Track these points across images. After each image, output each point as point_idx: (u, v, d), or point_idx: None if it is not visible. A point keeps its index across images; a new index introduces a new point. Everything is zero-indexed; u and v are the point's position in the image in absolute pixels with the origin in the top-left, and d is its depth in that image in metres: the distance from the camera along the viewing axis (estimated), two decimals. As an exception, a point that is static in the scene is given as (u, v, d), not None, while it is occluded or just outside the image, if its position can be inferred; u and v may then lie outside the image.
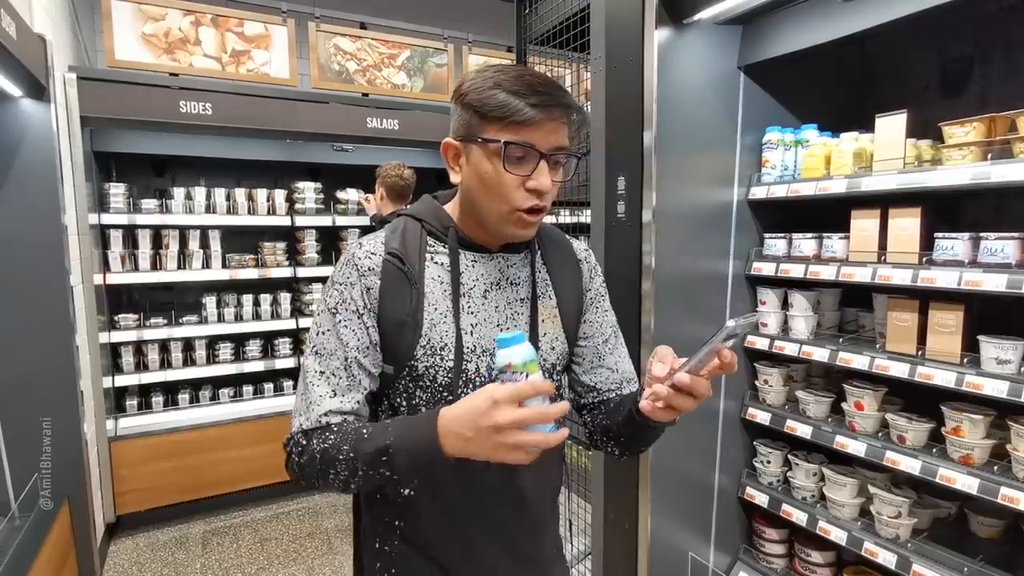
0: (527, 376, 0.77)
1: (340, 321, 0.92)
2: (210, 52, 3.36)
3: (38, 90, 2.27)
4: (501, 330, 0.98)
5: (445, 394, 0.93)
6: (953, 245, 1.57)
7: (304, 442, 0.89)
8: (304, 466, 0.88)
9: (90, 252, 2.98)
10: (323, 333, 0.93)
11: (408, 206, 2.92)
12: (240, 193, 3.69)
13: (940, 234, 1.60)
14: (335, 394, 0.90)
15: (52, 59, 2.36)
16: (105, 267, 3.32)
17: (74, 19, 3.24)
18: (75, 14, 3.25)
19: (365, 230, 4.10)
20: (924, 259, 1.63)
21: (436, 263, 0.97)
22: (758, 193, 2.01)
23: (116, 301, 3.64)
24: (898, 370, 1.65)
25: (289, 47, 3.55)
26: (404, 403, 0.96)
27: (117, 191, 3.32)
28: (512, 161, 0.88)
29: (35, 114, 2.27)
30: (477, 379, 0.95)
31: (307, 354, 0.94)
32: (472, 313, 0.96)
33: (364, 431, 0.85)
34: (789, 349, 1.94)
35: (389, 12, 4.11)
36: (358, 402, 0.92)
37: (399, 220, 1.02)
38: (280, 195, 3.78)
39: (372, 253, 0.95)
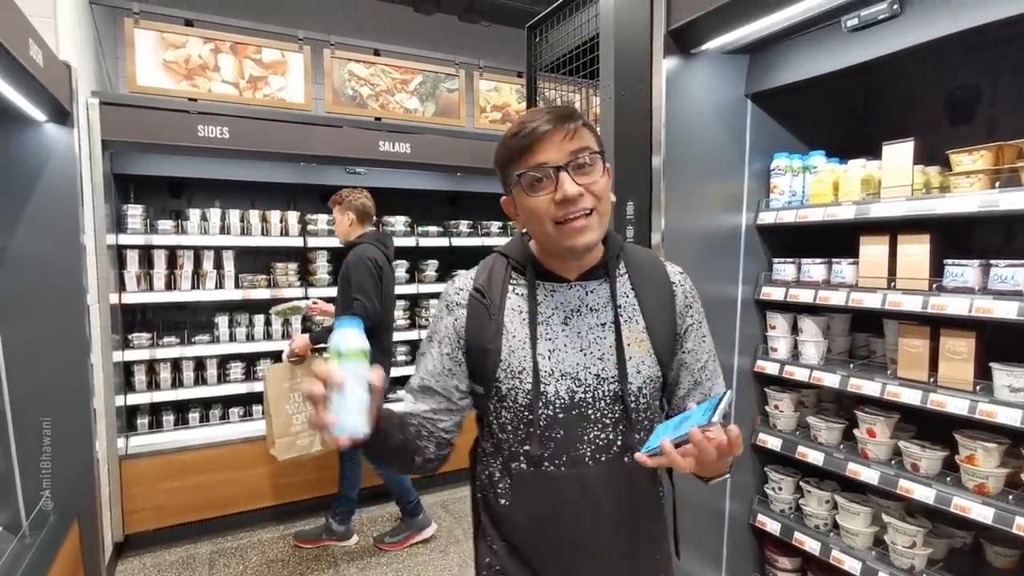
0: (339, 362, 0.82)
1: (430, 348, 1.10)
2: (228, 78, 3.45)
3: (62, 115, 2.33)
4: (584, 355, 1.03)
5: (526, 413, 1.02)
6: (963, 272, 1.57)
7: None
8: None
9: (107, 272, 3.03)
10: (422, 355, 1.12)
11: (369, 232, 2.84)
12: (254, 214, 3.74)
13: (950, 261, 1.60)
14: (414, 400, 1.09)
15: (76, 85, 2.43)
16: (121, 286, 3.37)
17: (98, 46, 3.34)
18: (99, 41, 3.36)
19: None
20: (934, 285, 1.63)
21: (517, 294, 1.07)
22: (766, 218, 2.02)
23: (130, 320, 3.69)
24: (910, 397, 1.64)
25: (305, 73, 3.63)
26: (495, 421, 1.07)
27: (135, 212, 3.39)
28: (534, 187, 0.97)
29: (58, 138, 2.33)
30: (556, 400, 1.01)
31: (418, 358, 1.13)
32: (550, 339, 1.03)
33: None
34: (799, 374, 1.93)
35: (402, 39, 4.20)
36: (428, 408, 1.08)
37: (491, 257, 1.13)
38: (293, 217, 3.83)
39: (460, 289, 1.09)
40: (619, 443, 1.02)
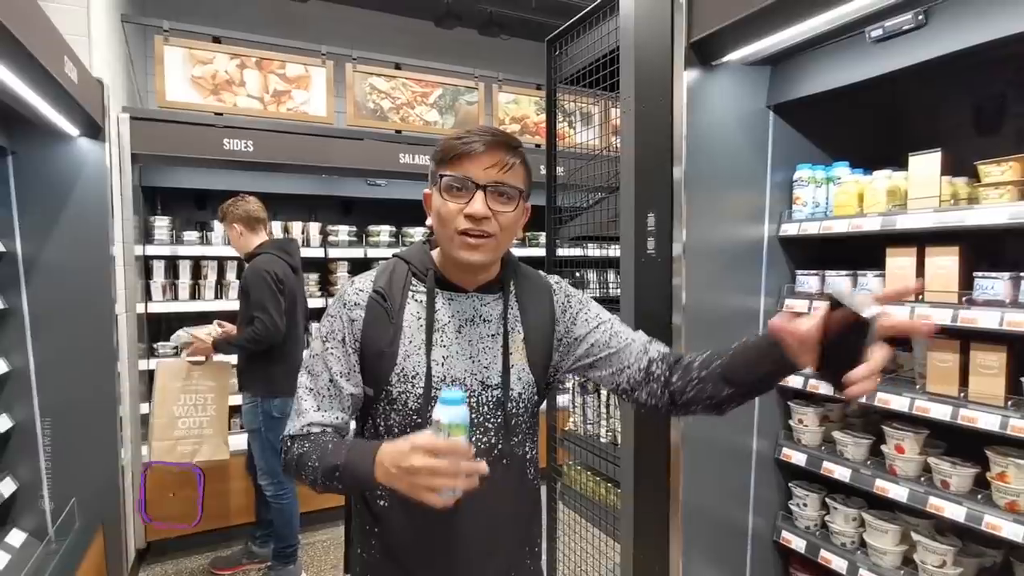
0: (448, 435, 0.86)
1: (328, 348, 1.06)
2: (253, 92, 3.53)
3: (95, 130, 2.40)
4: (473, 362, 1.08)
5: (415, 417, 1.05)
6: (993, 285, 1.53)
7: (289, 444, 1.05)
8: (287, 464, 1.04)
9: (134, 282, 3.10)
10: (314, 356, 1.08)
11: (269, 237, 2.81)
12: (276, 226, 3.81)
13: (979, 273, 1.57)
14: (319, 408, 1.05)
15: (108, 101, 2.51)
16: (147, 296, 3.44)
17: (129, 62, 3.43)
18: (130, 58, 3.45)
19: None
20: (964, 299, 1.60)
21: (416, 300, 1.10)
22: (789, 230, 2.00)
23: (155, 329, 3.76)
24: (940, 412, 1.61)
25: (327, 87, 3.70)
26: (382, 423, 1.08)
27: (161, 224, 3.47)
28: (452, 192, 1.02)
29: (91, 152, 2.40)
30: None
31: (301, 371, 1.09)
32: (444, 346, 1.07)
33: (329, 446, 0.99)
34: (824, 388, 1.90)
35: (423, 53, 4.26)
36: (338, 417, 1.06)
37: (391, 261, 1.16)
38: (314, 228, 3.89)
39: (360, 290, 1.09)
40: (499, 447, 1.09)
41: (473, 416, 1.05)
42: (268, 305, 2.75)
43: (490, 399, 1.08)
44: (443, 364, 1.06)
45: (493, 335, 1.11)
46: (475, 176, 1.00)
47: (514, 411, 1.10)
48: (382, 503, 1.07)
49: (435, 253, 1.14)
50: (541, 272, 1.24)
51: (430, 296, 1.08)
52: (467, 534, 1.07)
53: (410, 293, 1.10)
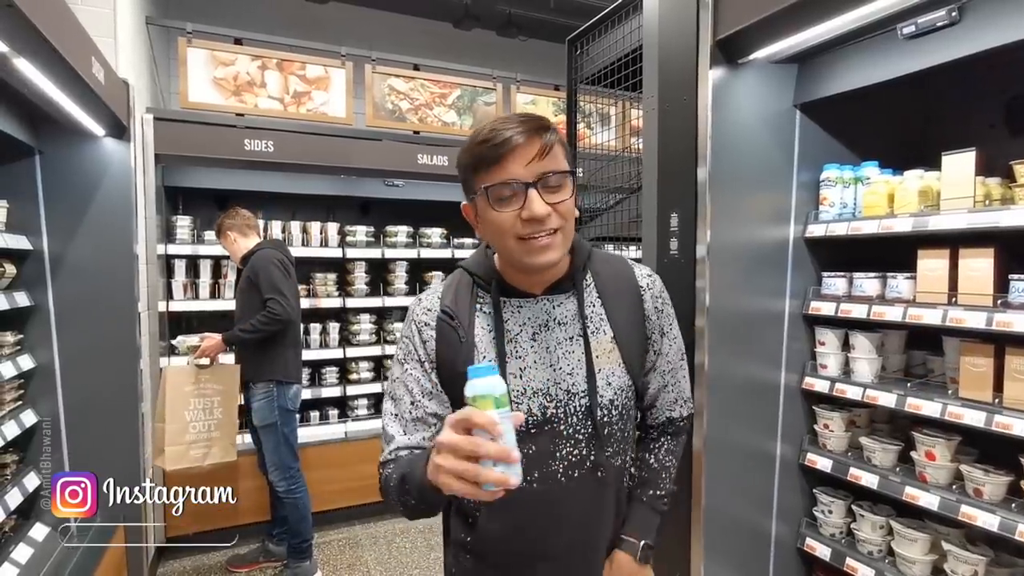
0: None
1: (407, 371, 1.03)
2: (274, 93, 3.55)
3: (120, 130, 2.43)
4: (554, 370, 1.01)
5: None
6: (1030, 287, 1.49)
7: (382, 471, 1.01)
8: (382, 491, 1.01)
9: (156, 280, 3.13)
10: (395, 381, 1.05)
11: (264, 240, 2.73)
12: (295, 226, 3.83)
13: (1015, 276, 1.53)
14: (404, 432, 1.01)
15: (133, 102, 2.54)
16: (168, 295, 3.47)
17: (152, 64, 3.48)
18: (154, 59, 3.49)
19: (413, 264, 4.19)
20: (998, 302, 1.56)
21: (484, 313, 1.05)
22: (816, 231, 1.96)
23: (175, 327, 3.79)
24: (973, 418, 1.57)
25: (347, 87, 3.72)
26: None
27: (183, 223, 3.50)
28: (501, 201, 0.93)
29: (116, 152, 2.43)
30: (529, 418, 1.00)
31: (385, 397, 1.07)
32: (520, 357, 1.01)
33: (404, 461, 0.95)
34: (851, 392, 1.86)
35: (441, 54, 4.27)
36: (424, 438, 1.01)
37: (456, 273, 1.10)
38: (333, 228, 3.90)
39: (428, 309, 1.05)
40: (591, 459, 1.02)
41: (563, 428, 0.99)
42: (282, 287, 2.88)
43: (578, 408, 1.01)
44: (520, 376, 1.00)
45: (571, 338, 1.03)
46: (520, 175, 0.91)
47: (605, 419, 1.02)
48: (477, 513, 1.04)
49: (497, 259, 1.07)
50: (626, 260, 1.14)
51: (496, 307, 1.02)
52: (553, 548, 1.03)
53: (477, 306, 1.04)
